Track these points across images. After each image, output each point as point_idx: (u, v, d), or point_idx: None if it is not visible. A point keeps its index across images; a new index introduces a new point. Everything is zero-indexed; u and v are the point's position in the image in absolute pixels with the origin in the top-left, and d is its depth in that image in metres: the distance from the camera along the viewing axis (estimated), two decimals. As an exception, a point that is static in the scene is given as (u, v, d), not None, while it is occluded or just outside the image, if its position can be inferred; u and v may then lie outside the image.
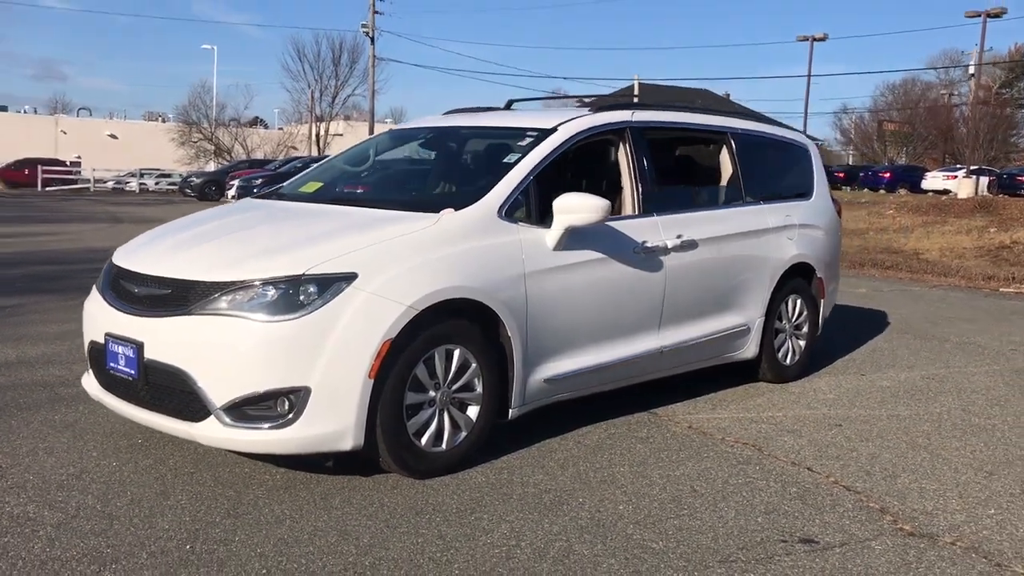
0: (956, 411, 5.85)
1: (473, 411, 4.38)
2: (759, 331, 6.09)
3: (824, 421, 5.47)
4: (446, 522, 3.69)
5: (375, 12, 49.22)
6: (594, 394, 5.16)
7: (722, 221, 5.80)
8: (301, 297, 3.86)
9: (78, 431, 4.74)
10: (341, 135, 56.08)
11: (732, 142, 6.12)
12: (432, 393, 4.20)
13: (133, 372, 4.10)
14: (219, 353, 3.83)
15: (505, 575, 3.23)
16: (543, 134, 5.02)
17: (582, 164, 5.57)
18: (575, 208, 4.58)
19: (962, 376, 6.94)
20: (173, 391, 3.96)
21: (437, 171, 5.64)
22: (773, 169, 6.65)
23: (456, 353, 4.25)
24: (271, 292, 3.86)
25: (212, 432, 3.86)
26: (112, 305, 4.28)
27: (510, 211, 4.58)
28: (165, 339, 3.97)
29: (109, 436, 4.67)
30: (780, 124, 7.01)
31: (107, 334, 4.24)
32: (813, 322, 6.65)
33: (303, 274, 3.90)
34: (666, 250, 5.26)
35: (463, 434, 4.34)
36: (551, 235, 4.61)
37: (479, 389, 4.38)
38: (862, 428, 5.35)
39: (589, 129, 5.20)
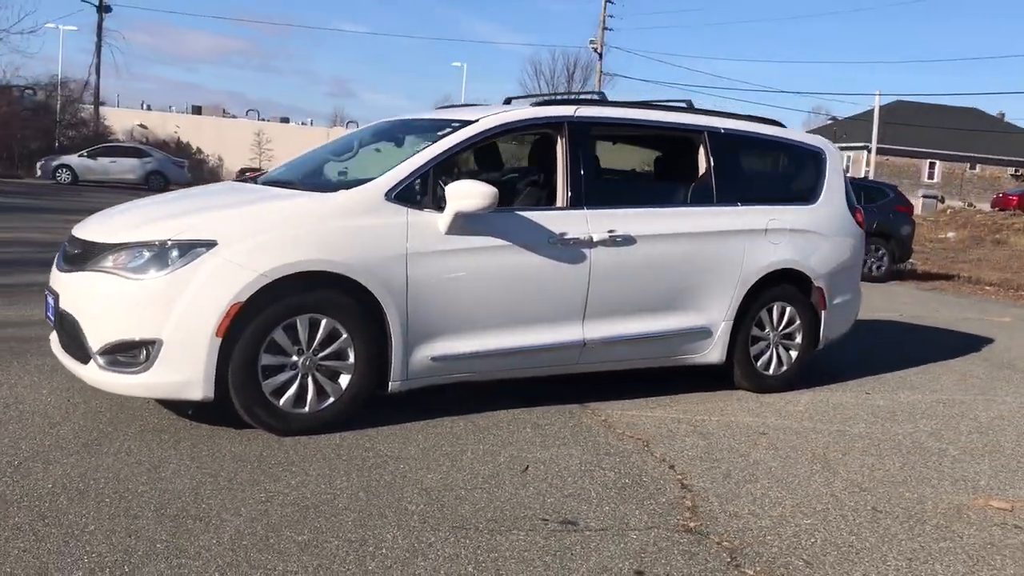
0: (917, 435, 5.42)
1: (345, 380, 4.68)
2: (725, 335, 5.92)
3: (753, 430, 5.27)
4: (262, 471, 4.02)
5: (604, 28, 50.06)
6: (541, 380, 5.31)
7: (676, 219, 5.71)
8: (166, 259, 4.34)
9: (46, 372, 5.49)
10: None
11: (707, 142, 5.99)
12: (294, 358, 4.55)
13: (52, 319, 4.77)
14: (97, 304, 4.40)
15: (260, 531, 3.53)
16: (461, 125, 5.24)
17: (518, 156, 5.71)
18: (463, 194, 4.77)
19: (981, 404, 6.34)
20: (74, 338, 4.57)
21: (369, 159, 5.96)
22: (763, 171, 6.42)
23: (323, 323, 4.58)
24: (144, 254, 4.38)
25: (92, 374, 4.43)
26: (56, 263, 4.98)
27: (401, 195, 4.84)
28: (70, 291, 4.59)
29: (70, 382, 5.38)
30: (778, 125, 6.70)
31: (46, 286, 4.94)
32: (809, 333, 6.33)
33: (168, 239, 4.40)
34: (591, 243, 5.29)
35: (329, 400, 4.65)
36: (442, 220, 4.83)
37: (351, 359, 4.67)
38: (781, 439, 5.12)
39: (518, 122, 5.36)
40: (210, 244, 4.39)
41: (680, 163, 6.12)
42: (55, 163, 32.40)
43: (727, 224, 5.90)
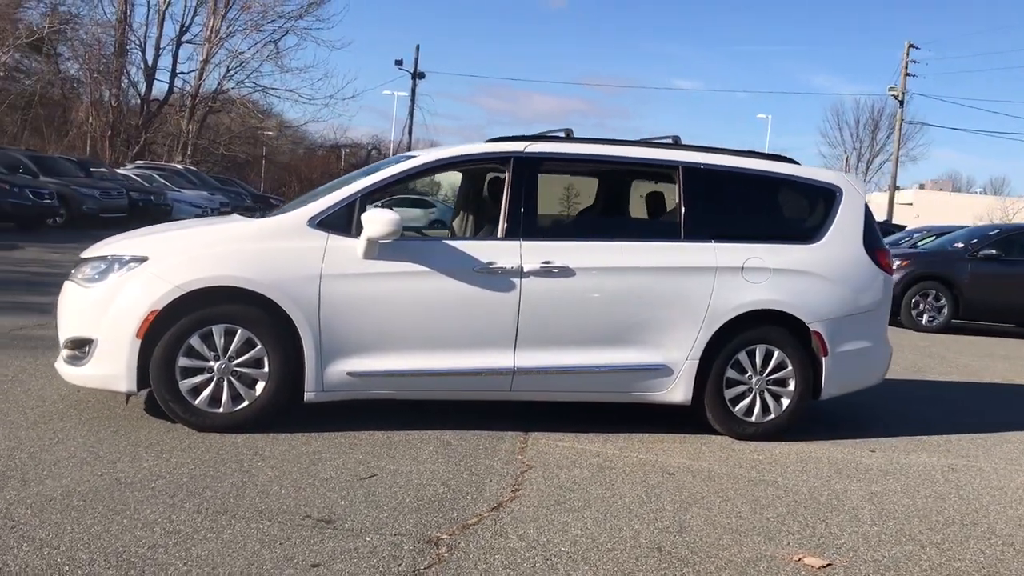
0: (849, 493, 4.92)
1: (261, 386, 5.21)
2: (689, 375, 5.72)
3: (664, 470, 5.09)
4: (152, 454, 4.65)
5: (907, 75, 47.03)
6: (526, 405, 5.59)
7: (626, 254, 5.65)
8: (108, 271, 5.15)
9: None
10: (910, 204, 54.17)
11: (682, 177, 5.87)
12: (211, 362, 5.14)
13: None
14: (64, 307, 5.30)
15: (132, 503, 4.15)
16: (402, 160, 5.65)
17: (469, 188, 5.95)
18: (371, 221, 5.16)
19: (974, 471, 5.55)
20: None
21: (324, 190, 6.40)
22: (752, 209, 6.10)
23: (239, 333, 5.15)
24: (96, 266, 5.22)
25: (59, 366, 5.32)
26: None
27: (326, 222, 5.32)
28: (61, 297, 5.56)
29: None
30: (790, 162, 6.32)
31: None
32: (804, 380, 5.91)
33: (111, 255, 5.21)
34: (520, 272, 5.42)
35: (244, 403, 5.19)
36: (359, 245, 5.24)
37: (267, 368, 5.20)
38: (670, 482, 4.90)
39: (459, 157, 5.66)
40: (142, 260, 5.13)
41: (646, 199, 6.03)
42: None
43: (691, 260, 5.73)
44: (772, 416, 5.91)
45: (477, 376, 5.46)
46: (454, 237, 6.02)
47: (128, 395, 5.24)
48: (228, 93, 41.47)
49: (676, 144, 6.14)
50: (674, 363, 5.72)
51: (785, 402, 5.92)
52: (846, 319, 6.00)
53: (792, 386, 5.91)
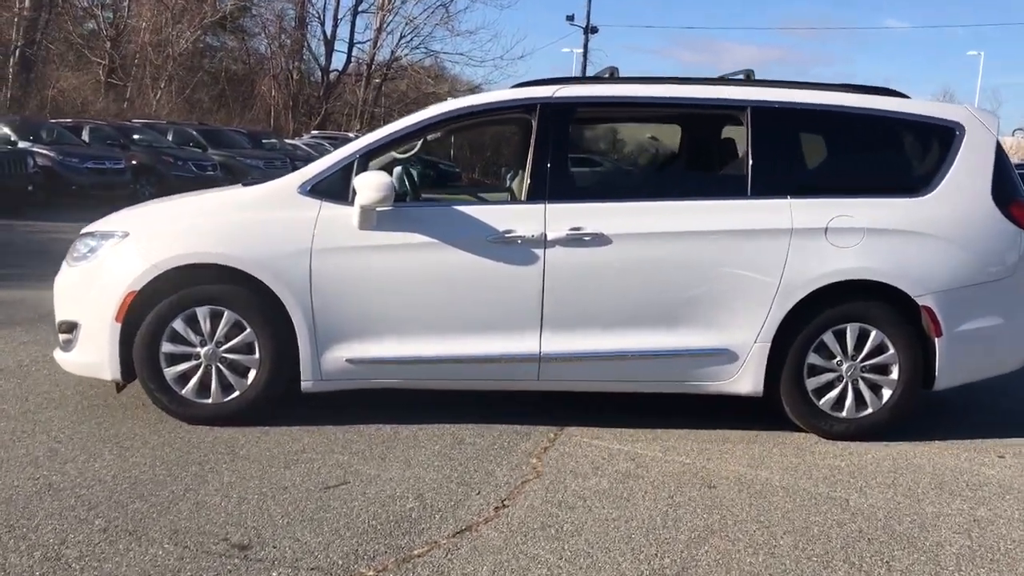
0: (964, 523, 3.81)
1: (253, 375, 4.68)
2: (759, 360, 4.71)
3: (706, 482, 4.16)
4: (115, 452, 4.23)
5: None
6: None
7: (675, 215, 4.67)
8: (91, 249, 4.74)
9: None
10: None
11: (750, 120, 4.79)
12: (197, 348, 4.65)
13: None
14: (56, 288, 4.95)
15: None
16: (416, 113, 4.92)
17: (494, 144, 5.11)
18: (362, 187, 4.48)
19: None
20: None
21: None
22: (839, 154, 4.93)
23: (225, 315, 4.62)
24: (84, 244, 4.83)
25: (55, 352, 4.99)
26: None
27: (320, 188, 4.68)
28: None
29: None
30: (896, 95, 5.05)
31: None
32: (913, 368, 4.75)
33: (97, 231, 4.80)
34: (544, 242, 4.59)
35: (235, 393, 4.67)
36: (354, 214, 4.58)
37: (258, 354, 4.65)
38: (712, 498, 3.96)
39: (476, 108, 4.86)
40: (123, 235, 4.68)
41: (703, 148, 5.02)
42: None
43: (760, 221, 4.69)
44: (869, 410, 4.80)
45: (497, 363, 4.69)
46: (487, 201, 5.24)
47: (117, 385, 4.83)
48: (401, 60, 41.95)
49: (747, 80, 5.06)
50: (739, 346, 4.71)
51: (886, 393, 4.79)
52: (968, 290, 4.76)
53: (895, 374, 4.77)
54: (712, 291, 4.67)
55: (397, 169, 5.91)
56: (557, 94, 4.80)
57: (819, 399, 4.79)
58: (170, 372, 4.64)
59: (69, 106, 29.27)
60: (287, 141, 27.70)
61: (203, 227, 4.65)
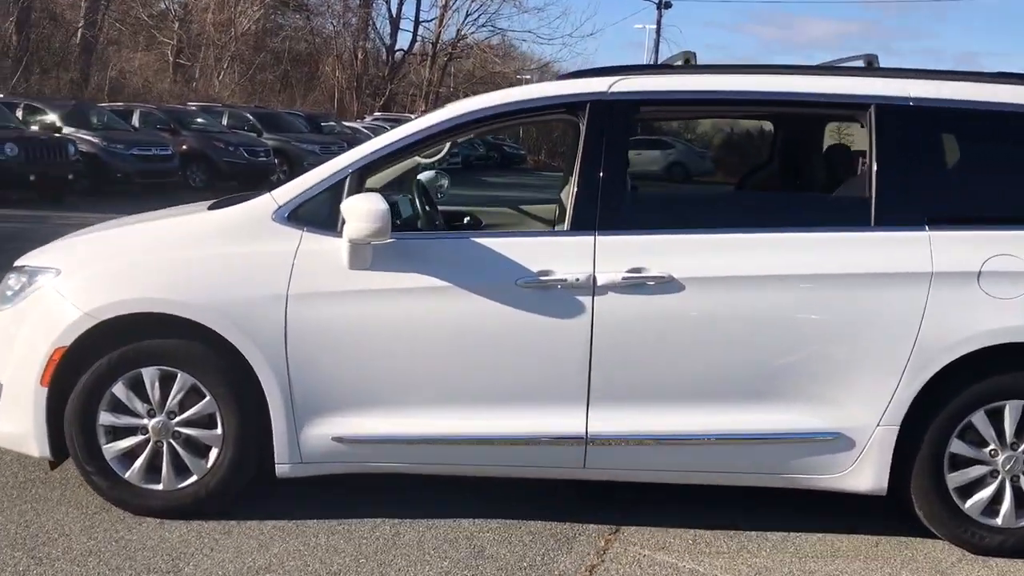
0: None
1: (215, 455, 3.62)
2: (883, 448, 3.48)
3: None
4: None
5: None
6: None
7: (774, 252, 3.46)
8: (17, 290, 3.74)
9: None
10: None
11: (874, 121, 3.54)
12: (144, 420, 3.62)
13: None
14: None
15: None
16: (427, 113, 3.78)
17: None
18: (351, 215, 3.38)
19: None
20: None
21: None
22: (997, 168, 3.65)
23: (179, 378, 3.58)
24: (11, 281, 3.82)
25: None
26: None
27: (299, 214, 3.59)
28: None
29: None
30: None
31: None
32: (1101, 462, 3.48)
33: (26, 264, 3.80)
34: (591, 287, 3.43)
35: (192, 478, 3.63)
36: (342, 249, 3.47)
37: (220, 429, 3.59)
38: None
39: (505, 107, 3.68)
40: (52, 272, 3.66)
41: (810, 160, 3.77)
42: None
43: (887, 261, 3.45)
44: (1034, 517, 3.54)
45: (529, 446, 3.55)
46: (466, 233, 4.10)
47: (50, 462, 3.81)
48: (467, 39, 40.79)
49: (868, 68, 3.80)
50: (857, 430, 3.49)
51: (1058, 496, 3.53)
52: None
53: (1072, 470, 3.50)
54: (820, 355, 3.46)
55: (423, 176, 4.85)
56: (614, 88, 3.60)
57: (964, 501, 3.54)
58: (110, 449, 3.62)
59: (131, 89, 28.92)
60: (345, 124, 26.81)
61: (151, 265, 3.59)
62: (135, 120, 19.18)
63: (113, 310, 3.50)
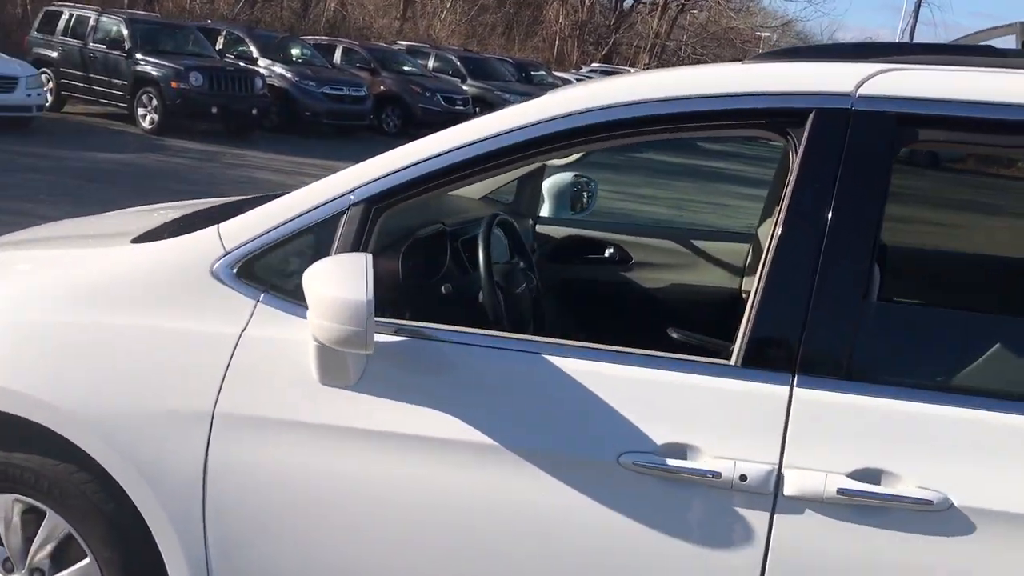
0: None
1: (101, 648, 2.18)
2: None
3: None
4: None
5: None
6: None
7: None
8: None
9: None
10: None
11: None
12: (-2, 571, 2.22)
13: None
14: None
15: None
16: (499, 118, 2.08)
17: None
18: (310, 299, 1.77)
19: None
20: None
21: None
22: None
23: (48, 519, 2.14)
24: None
25: None
26: None
27: (260, 268, 2.02)
28: None
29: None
30: None
31: None
32: None
33: None
34: (773, 495, 1.67)
35: None
36: (309, 352, 1.87)
37: (107, 613, 2.14)
38: None
39: (662, 106, 1.89)
40: None
41: None
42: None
43: None
44: None
45: None
46: (689, 274, 2.35)
47: None
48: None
49: None
50: None
51: None
52: None
53: None
54: None
55: (551, 185, 3.24)
56: (867, 90, 1.76)
57: None
58: (-55, 614, 2.25)
59: (353, 23, 28.61)
60: (556, 74, 25.18)
61: (13, 336, 2.12)
62: (336, 57, 18.42)
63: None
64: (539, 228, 3.41)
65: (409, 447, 1.84)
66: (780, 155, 3.03)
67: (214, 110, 13.54)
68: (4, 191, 8.12)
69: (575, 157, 3.32)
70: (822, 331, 1.71)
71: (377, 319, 1.88)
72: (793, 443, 1.68)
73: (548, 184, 3.51)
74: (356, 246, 1.94)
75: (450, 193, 2.99)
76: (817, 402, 1.69)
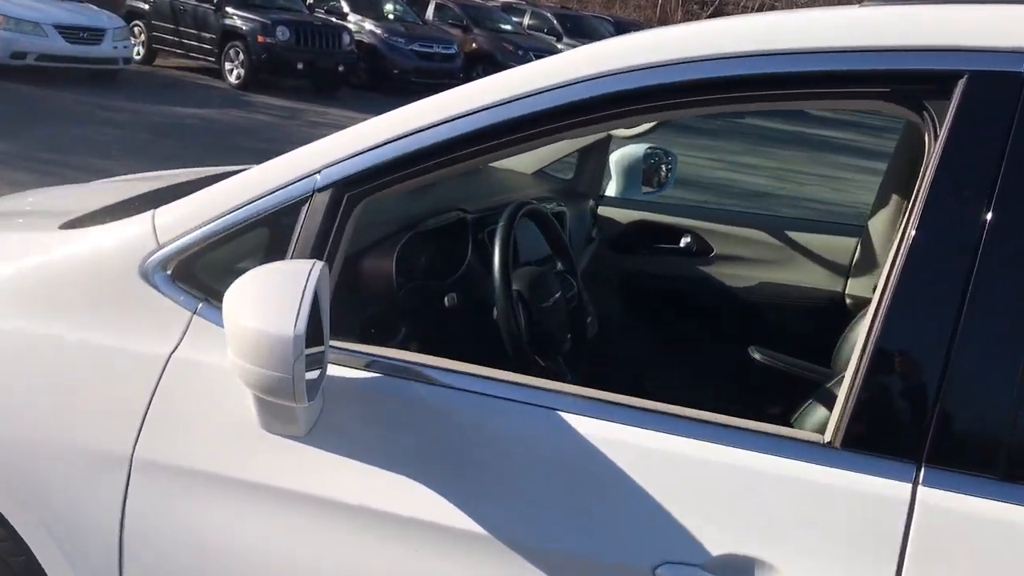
0: None
1: None
2: None
3: None
4: None
5: None
6: None
7: None
8: None
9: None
10: None
11: None
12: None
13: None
14: None
15: None
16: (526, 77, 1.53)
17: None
18: (227, 328, 1.28)
19: None
20: None
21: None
22: None
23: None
24: None
25: None
26: None
27: (199, 269, 1.55)
28: None
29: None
30: None
31: None
32: None
33: None
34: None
35: None
36: (249, 402, 1.39)
37: None
38: None
39: (734, 66, 1.32)
40: None
41: None
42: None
43: None
44: None
45: None
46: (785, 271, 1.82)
47: None
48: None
49: None
50: None
51: None
52: None
53: None
54: None
55: (619, 158, 2.72)
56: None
57: None
58: None
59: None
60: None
61: None
62: (429, 13, 17.96)
63: None
64: (601, 211, 2.87)
65: (370, 525, 1.35)
66: (903, 128, 2.42)
67: (300, 66, 13.26)
68: (75, 144, 7.94)
69: (648, 127, 2.75)
70: (967, 399, 1.15)
71: (341, 347, 1.39)
72: (914, 570, 1.12)
73: (616, 157, 2.95)
74: (321, 244, 1.45)
75: (491, 165, 2.48)
76: (953, 510, 1.13)
